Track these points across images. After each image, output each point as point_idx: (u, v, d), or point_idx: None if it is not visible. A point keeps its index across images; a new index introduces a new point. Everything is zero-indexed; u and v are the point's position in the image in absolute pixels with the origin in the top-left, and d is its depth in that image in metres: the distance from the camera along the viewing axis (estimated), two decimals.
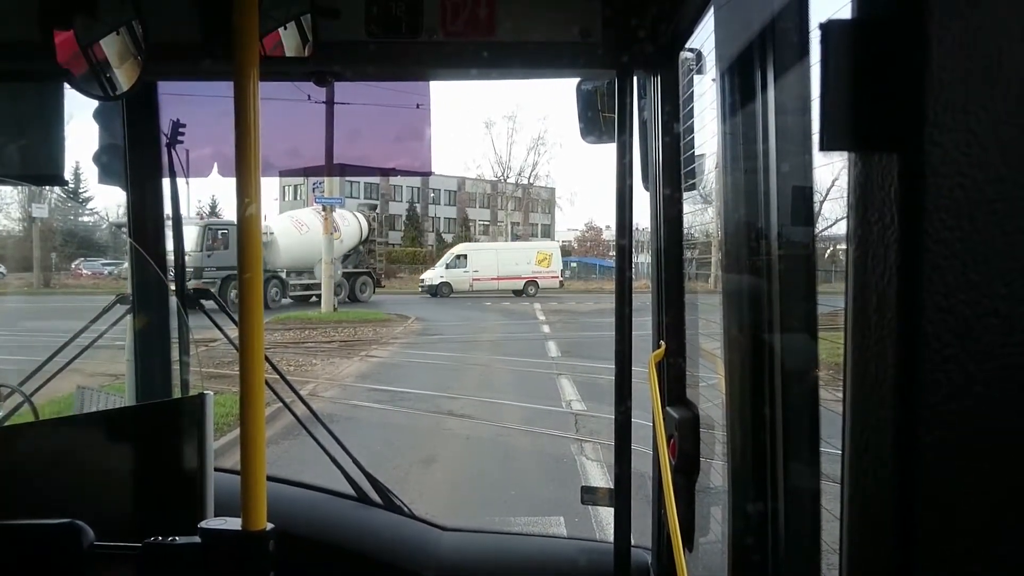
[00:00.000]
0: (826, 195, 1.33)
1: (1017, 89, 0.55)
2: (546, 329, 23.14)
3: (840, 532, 0.65)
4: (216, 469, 1.60)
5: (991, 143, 0.56)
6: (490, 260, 38.37)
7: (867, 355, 0.60)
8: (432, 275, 38.00)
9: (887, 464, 0.59)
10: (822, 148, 0.64)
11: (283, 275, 28.81)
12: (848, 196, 0.63)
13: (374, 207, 42.18)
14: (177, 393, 2.39)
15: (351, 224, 32.17)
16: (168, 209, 2.39)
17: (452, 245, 58.66)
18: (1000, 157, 0.56)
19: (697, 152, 1.89)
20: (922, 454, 0.57)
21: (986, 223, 0.56)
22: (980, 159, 0.56)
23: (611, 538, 1.92)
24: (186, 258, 2.51)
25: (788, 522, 1.33)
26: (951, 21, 0.55)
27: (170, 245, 2.45)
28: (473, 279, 37.44)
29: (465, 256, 38.24)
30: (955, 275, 0.56)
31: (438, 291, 36.70)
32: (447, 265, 37.78)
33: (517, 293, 37.69)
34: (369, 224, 34.17)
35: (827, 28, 0.62)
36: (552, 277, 39.81)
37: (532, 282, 38.75)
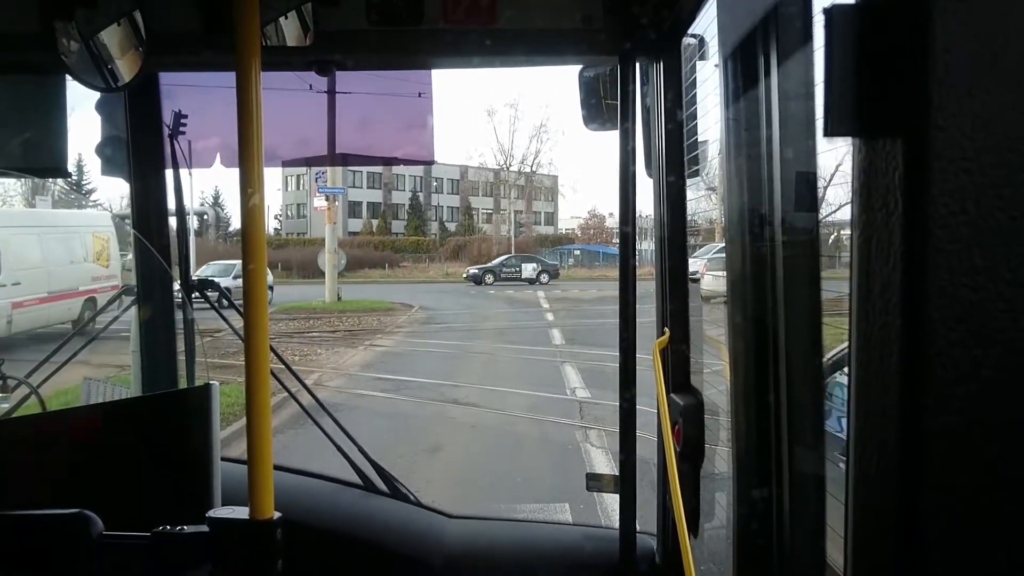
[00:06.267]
0: (830, 181, 1.32)
1: (1022, 73, 0.55)
2: (550, 317, 23.15)
3: (845, 516, 0.65)
4: (223, 459, 1.60)
5: (996, 128, 0.55)
6: (35, 257, 15.01)
7: (872, 341, 0.60)
8: None
9: (892, 449, 0.59)
10: (826, 134, 0.64)
11: None
12: (852, 182, 0.63)
13: None
14: (183, 384, 2.40)
15: None
16: (172, 200, 2.40)
17: (455, 235, 57.64)
18: (1005, 142, 0.55)
19: (700, 139, 1.88)
20: (927, 439, 0.57)
21: (991, 208, 0.56)
22: (985, 144, 0.55)
23: (616, 524, 1.93)
24: None
25: (793, 507, 1.34)
26: (956, 5, 0.55)
27: (174, 236, 2.46)
28: (13, 304, 13.81)
29: None
30: (960, 260, 0.56)
31: None
32: None
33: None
34: None
35: (831, 13, 0.61)
36: (110, 287, 15.38)
37: (91, 299, 14.37)
